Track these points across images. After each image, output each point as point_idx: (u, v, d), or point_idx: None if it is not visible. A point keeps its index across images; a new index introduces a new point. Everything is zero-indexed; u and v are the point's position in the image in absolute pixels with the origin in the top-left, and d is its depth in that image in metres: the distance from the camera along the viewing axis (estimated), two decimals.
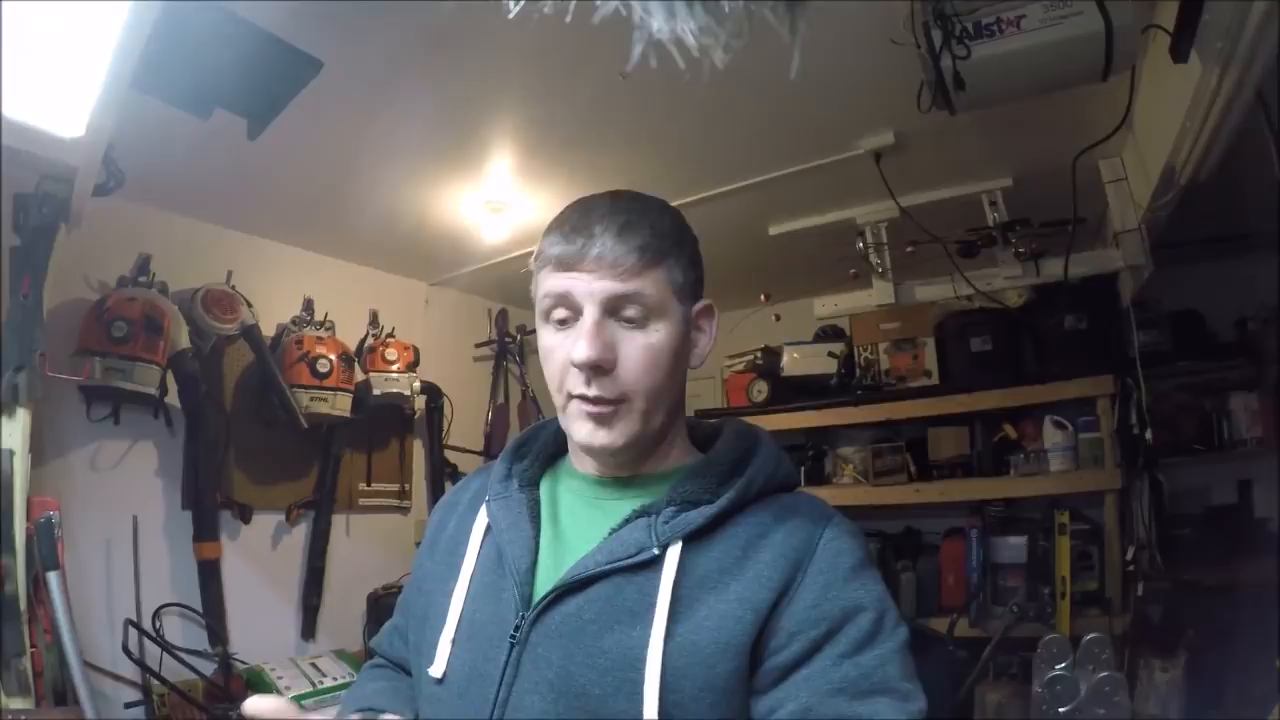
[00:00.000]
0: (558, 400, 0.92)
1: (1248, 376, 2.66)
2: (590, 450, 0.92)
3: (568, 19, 0.56)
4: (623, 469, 0.95)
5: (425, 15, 1.70)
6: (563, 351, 0.88)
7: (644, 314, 0.88)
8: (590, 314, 0.87)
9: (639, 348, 0.88)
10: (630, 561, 0.84)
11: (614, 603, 0.84)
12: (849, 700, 0.77)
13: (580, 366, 0.86)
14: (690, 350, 0.95)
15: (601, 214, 0.89)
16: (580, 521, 0.94)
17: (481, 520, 0.98)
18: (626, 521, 0.89)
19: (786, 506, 0.91)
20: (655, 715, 0.78)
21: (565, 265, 0.88)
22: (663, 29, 0.54)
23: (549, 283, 0.89)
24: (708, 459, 0.94)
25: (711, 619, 0.81)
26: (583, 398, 0.87)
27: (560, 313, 0.89)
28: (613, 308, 0.87)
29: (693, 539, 0.86)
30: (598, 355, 0.85)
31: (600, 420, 0.88)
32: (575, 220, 0.89)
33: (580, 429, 0.90)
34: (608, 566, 0.85)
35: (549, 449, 1.05)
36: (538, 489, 1.00)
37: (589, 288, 0.86)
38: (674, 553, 0.84)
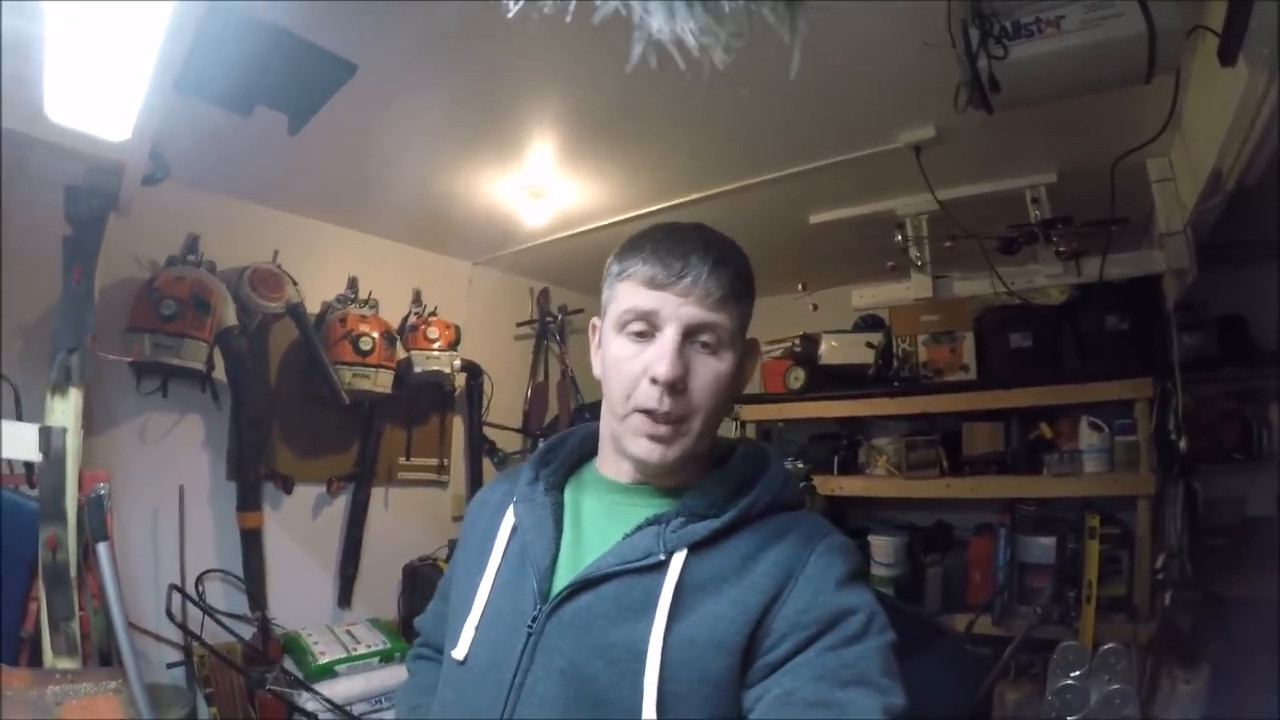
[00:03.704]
0: (619, 409, 0.97)
1: None
2: (645, 464, 0.97)
3: (568, 19, 0.57)
4: (653, 478, 1.01)
5: (462, 5, 1.71)
6: (637, 364, 0.95)
7: (717, 343, 0.95)
8: (671, 334, 0.93)
9: (711, 372, 0.95)
10: (639, 564, 0.91)
11: (622, 600, 0.90)
12: (830, 687, 0.82)
13: (660, 383, 0.92)
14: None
15: (696, 245, 0.95)
16: (600, 525, 1.01)
17: (509, 520, 1.04)
18: (639, 528, 0.95)
19: (787, 524, 0.96)
20: (655, 703, 0.84)
21: (656, 285, 0.94)
22: (663, 29, 0.55)
23: (634, 298, 0.95)
24: (717, 477, 0.99)
25: (708, 619, 0.87)
26: (650, 413, 0.93)
27: (639, 325, 0.95)
28: (691, 332, 0.94)
29: (697, 548, 0.92)
30: (678, 374, 0.92)
31: (659, 439, 0.94)
32: (670, 245, 0.96)
33: (639, 445, 0.96)
34: (618, 568, 0.91)
35: (574, 455, 1.11)
36: (562, 493, 1.06)
37: (676, 311, 0.93)
38: (678, 559, 0.91)
